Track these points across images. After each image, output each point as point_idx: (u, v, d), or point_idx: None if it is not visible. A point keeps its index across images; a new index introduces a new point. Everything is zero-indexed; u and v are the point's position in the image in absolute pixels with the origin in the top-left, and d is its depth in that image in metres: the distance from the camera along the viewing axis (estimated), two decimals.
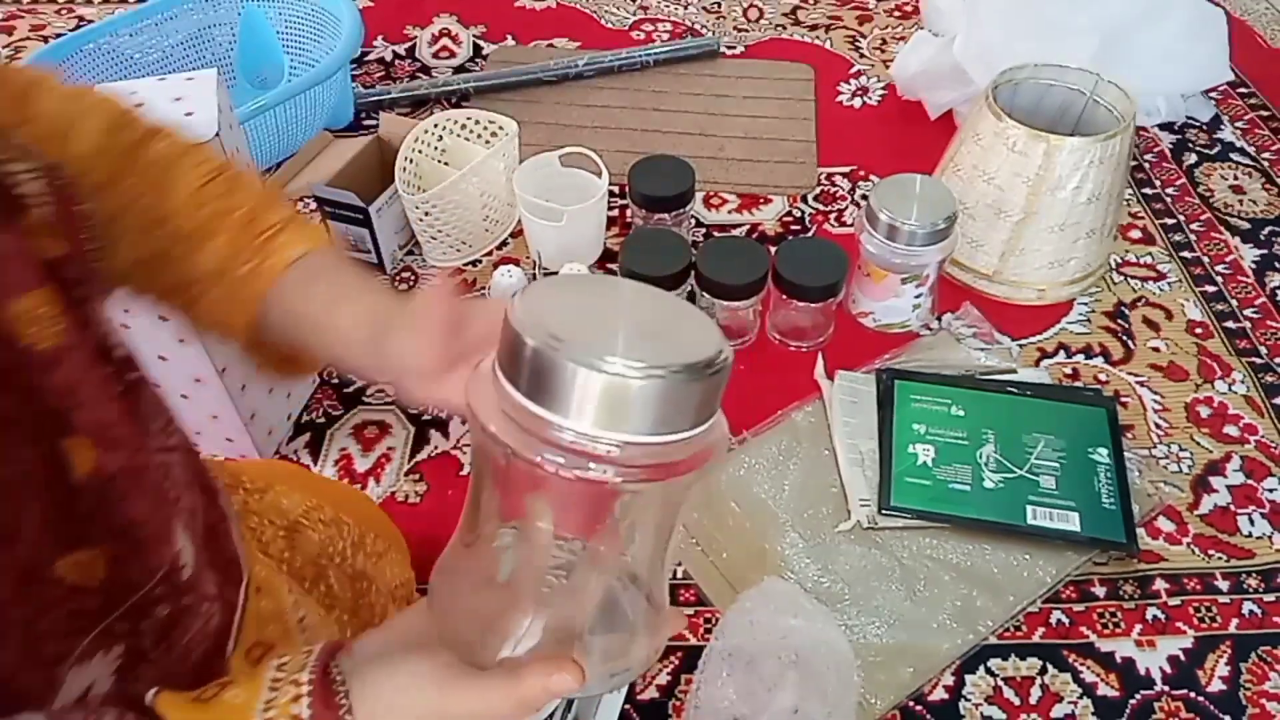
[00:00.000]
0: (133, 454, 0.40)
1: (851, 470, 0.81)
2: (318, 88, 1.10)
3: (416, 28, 1.36)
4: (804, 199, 1.10)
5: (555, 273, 0.92)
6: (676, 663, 0.71)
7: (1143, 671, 0.70)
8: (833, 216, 1.08)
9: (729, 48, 1.33)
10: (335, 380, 0.91)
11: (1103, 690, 0.69)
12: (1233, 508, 0.81)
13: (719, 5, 1.43)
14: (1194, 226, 1.07)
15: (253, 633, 0.49)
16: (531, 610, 0.35)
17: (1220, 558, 0.77)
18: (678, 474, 0.32)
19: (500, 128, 1.03)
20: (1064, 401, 0.86)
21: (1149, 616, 0.73)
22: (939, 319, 0.96)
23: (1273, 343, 0.94)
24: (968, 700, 0.69)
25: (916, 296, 0.92)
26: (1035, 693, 0.69)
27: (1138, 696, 0.69)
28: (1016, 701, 0.69)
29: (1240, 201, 1.10)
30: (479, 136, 1.05)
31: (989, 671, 0.70)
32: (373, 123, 1.19)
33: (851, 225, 1.06)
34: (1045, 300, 0.98)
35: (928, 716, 0.68)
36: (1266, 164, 1.15)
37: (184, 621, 0.43)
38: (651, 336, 0.34)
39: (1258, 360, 0.92)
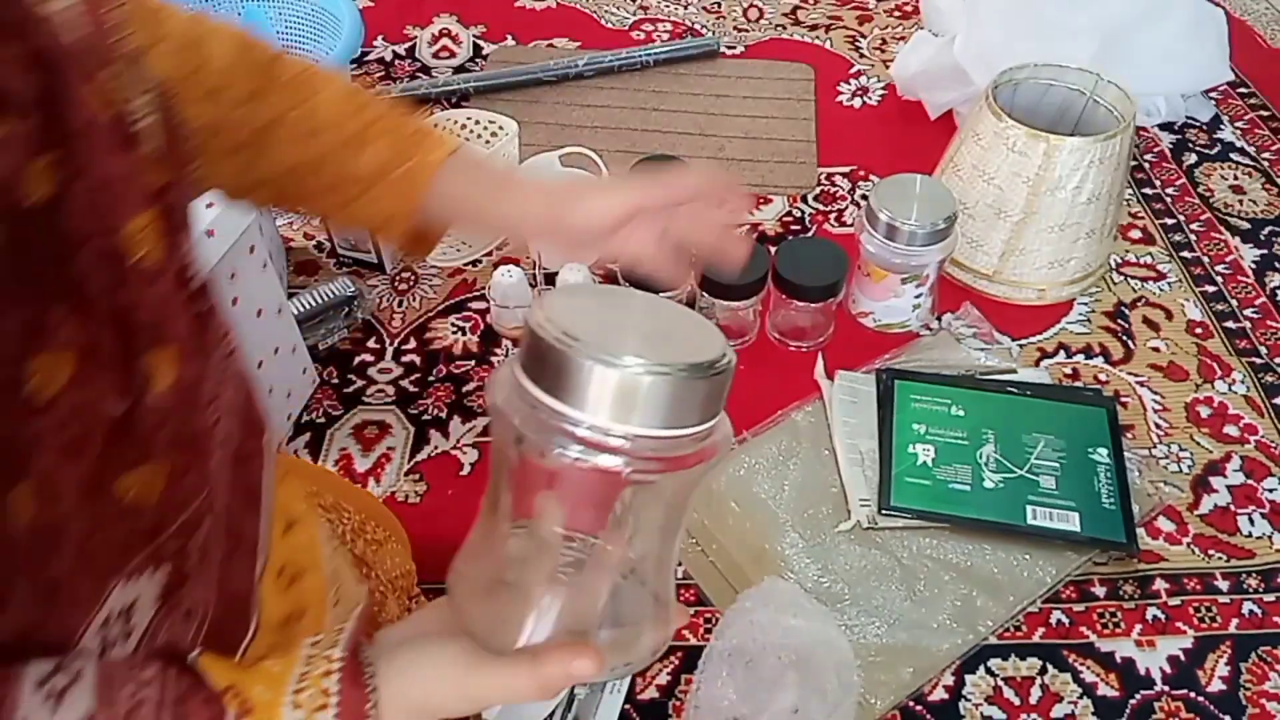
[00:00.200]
0: (203, 372, 0.43)
1: (851, 470, 0.81)
2: None
3: (416, 28, 1.36)
4: (804, 199, 1.10)
5: (555, 273, 0.92)
6: (677, 663, 0.71)
7: (1143, 671, 0.70)
8: (833, 216, 1.08)
9: (729, 48, 1.33)
10: (335, 380, 0.91)
11: (1103, 690, 0.69)
12: (1233, 508, 0.81)
13: (719, 5, 1.43)
14: (1194, 226, 1.07)
15: (281, 558, 0.51)
16: (544, 604, 0.37)
17: (1220, 558, 0.77)
18: (684, 467, 0.34)
19: (500, 128, 1.03)
20: (1064, 401, 0.86)
21: (1149, 616, 0.73)
22: (939, 319, 0.96)
23: (1273, 343, 0.94)
24: (968, 700, 0.69)
25: (916, 296, 0.92)
26: (1035, 693, 0.69)
27: (1138, 696, 0.69)
28: (1016, 701, 0.69)
29: (1240, 201, 1.10)
30: (479, 136, 1.05)
31: (989, 671, 0.70)
32: None
33: (851, 225, 1.06)
34: (1045, 300, 0.98)
35: (928, 716, 0.68)
36: (1266, 164, 1.15)
37: (216, 542, 0.45)
38: (661, 339, 0.36)
39: (1258, 360, 0.92)
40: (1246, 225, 1.07)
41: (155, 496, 0.41)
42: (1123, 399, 0.88)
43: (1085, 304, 0.98)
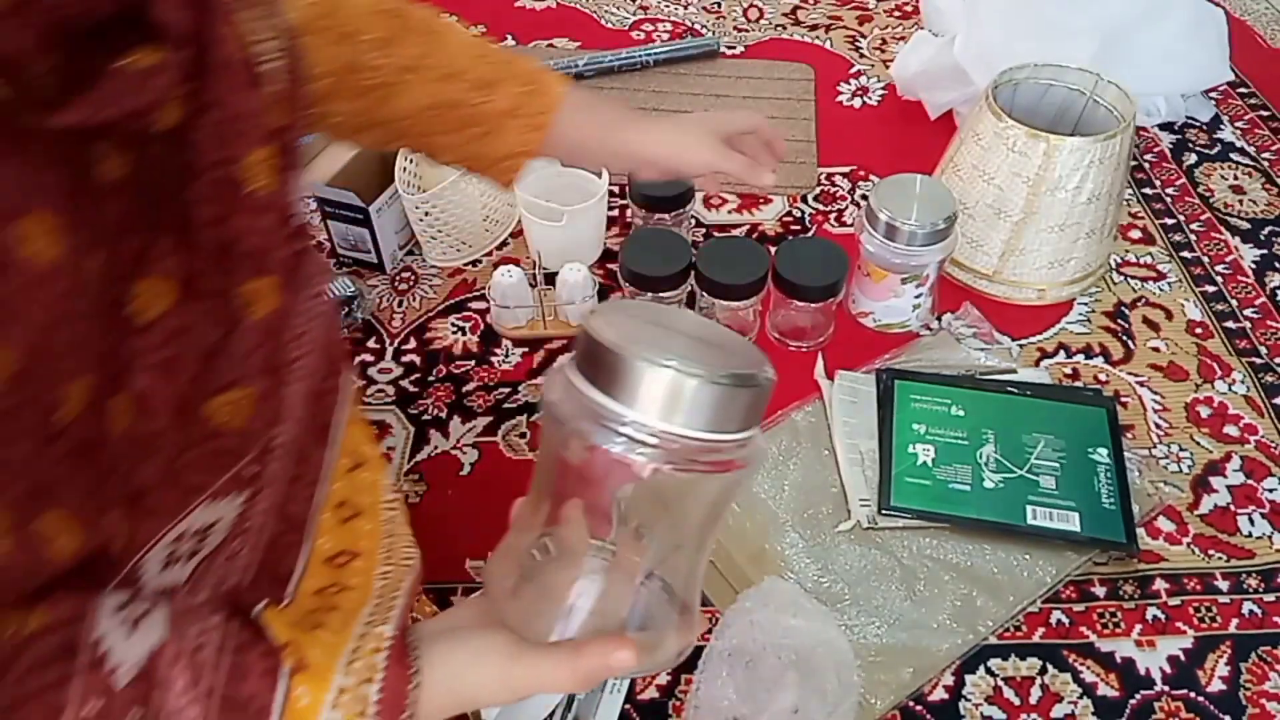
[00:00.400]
0: (294, 305, 0.46)
1: (851, 470, 0.81)
2: None
3: None
4: (804, 199, 1.10)
5: (555, 273, 0.92)
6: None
7: (1143, 671, 0.70)
8: (833, 216, 1.08)
9: (729, 48, 1.33)
10: None
11: (1103, 690, 0.69)
12: (1233, 508, 0.81)
13: (719, 5, 1.43)
14: (1194, 226, 1.07)
15: (343, 494, 0.53)
16: (578, 599, 0.40)
17: (1220, 558, 0.77)
18: (721, 470, 0.37)
19: None
20: (1064, 401, 0.86)
21: (1149, 616, 0.73)
22: (939, 319, 0.96)
23: (1273, 343, 0.94)
24: (968, 700, 0.69)
25: (916, 296, 0.92)
26: (1035, 693, 0.69)
27: (1138, 696, 0.69)
28: (1016, 701, 0.69)
29: (1240, 201, 1.10)
30: None
31: (989, 671, 0.70)
32: None
33: (851, 225, 1.06)
34: (1045, 300, 0.98)
35: (928, 716, 0.68)
36: (1266, 164, 1.15)
37: (285, 468, 0.48)
38: (707, 350, 0.38)
39: (1258, 360, 0.92)
40: (1246, 225, 1.07)
41: (241, 420, 0.44)
42: (1123, 399, 0.88)
43: (1085, 304, 0.98)
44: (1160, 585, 0.75)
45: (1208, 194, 1.11)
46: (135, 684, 0.36)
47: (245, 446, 0.45)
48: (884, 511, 0.78)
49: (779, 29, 1.38)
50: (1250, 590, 0.75)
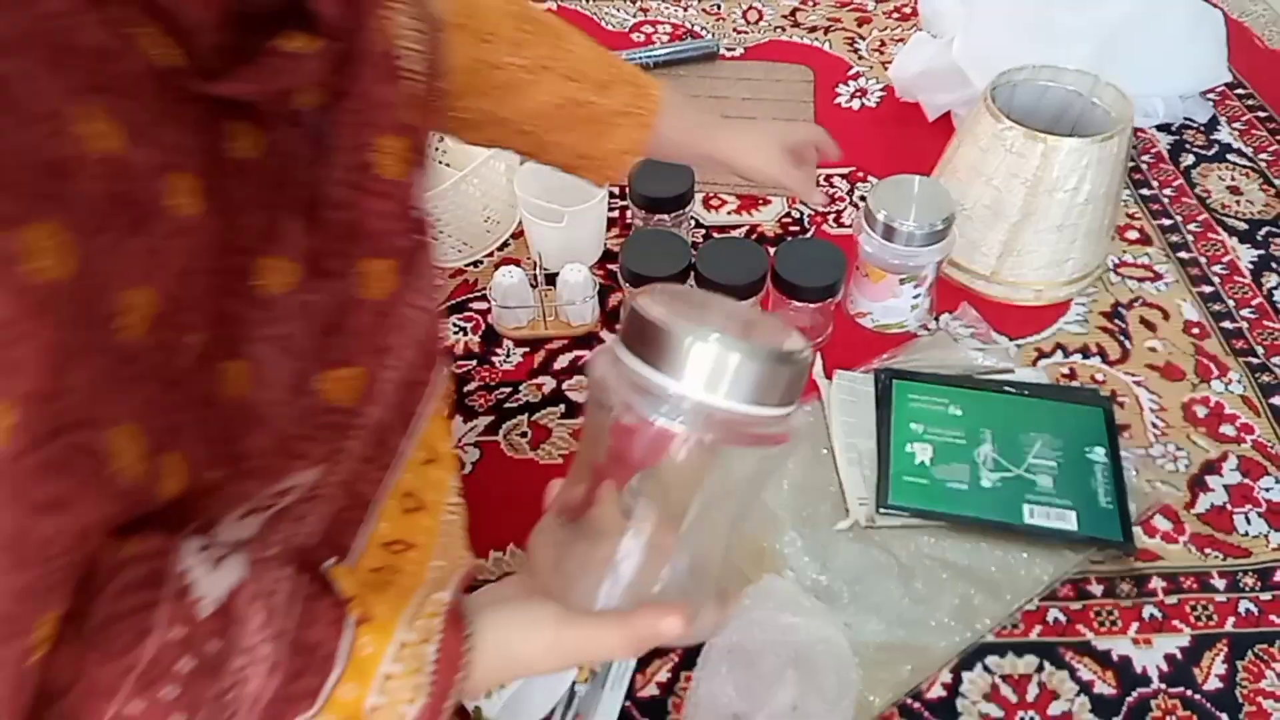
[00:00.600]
0: (405, 295, 0.48)
1: (850, 469, 0.82)
2: None
3: None
4: (802, 200, 1.10)
5: (556, 274, 0.92)
6: (676, 660, 0.71)
7: (1139, 669, 0.71)
8: (831, 217, 1.08)
9: (728, 50, 1.34)
10: None
11: (1100, 688, 0.70)
12: (1229, 507, 0.81)
13: (719, 7, 1.43)
14: (1191, 227, 1.07)
15: (411, 484, 0.55)
16: (619, 569, 0.41)
17: (1217, 556, 0.77)
18: (761, 443, 0.38)
19: None
20: (1061, 401, 0.86)
21: (1146, 615, 0.74)
22: (937, 319, 0.97)
23: (1269, 343, 0.95)
24: (965, 698, 0.69)
25: (915, 297, 0.92)
26: (1033, 690, 0.70)
27: (1134, 694, 0.70)
28: (1014, 699, 0.69)
29: (1237, 202, 1.11)
30: None
31: (986, 669, 0.71)
32: None
33: (850, 226, 1.06)
34: (1043, 301, 0.98)
35: (926, 714, 0.69)
36: (1264, 165, 1.16)
37: (364, 447, 0.51)
38: (748, 329, 0.40)
39: (1254, 360, 0.93)
40: (1244, 226, 1.08)
41: (349, 397, 0.47)
42: (1120, 399, 0.89)
43: (1082, 304, 0.98)
44: (1157, 584, 0.76)
45: (1205, 195, 1.12)
46: (215, 617, 0.38)
47: (350, 422, 0.47)
48: (882, 510, 0.78)
49: (778, 31, 1.38)
50: (1246, 589, 0.76)
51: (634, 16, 1.41)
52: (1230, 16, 1.34)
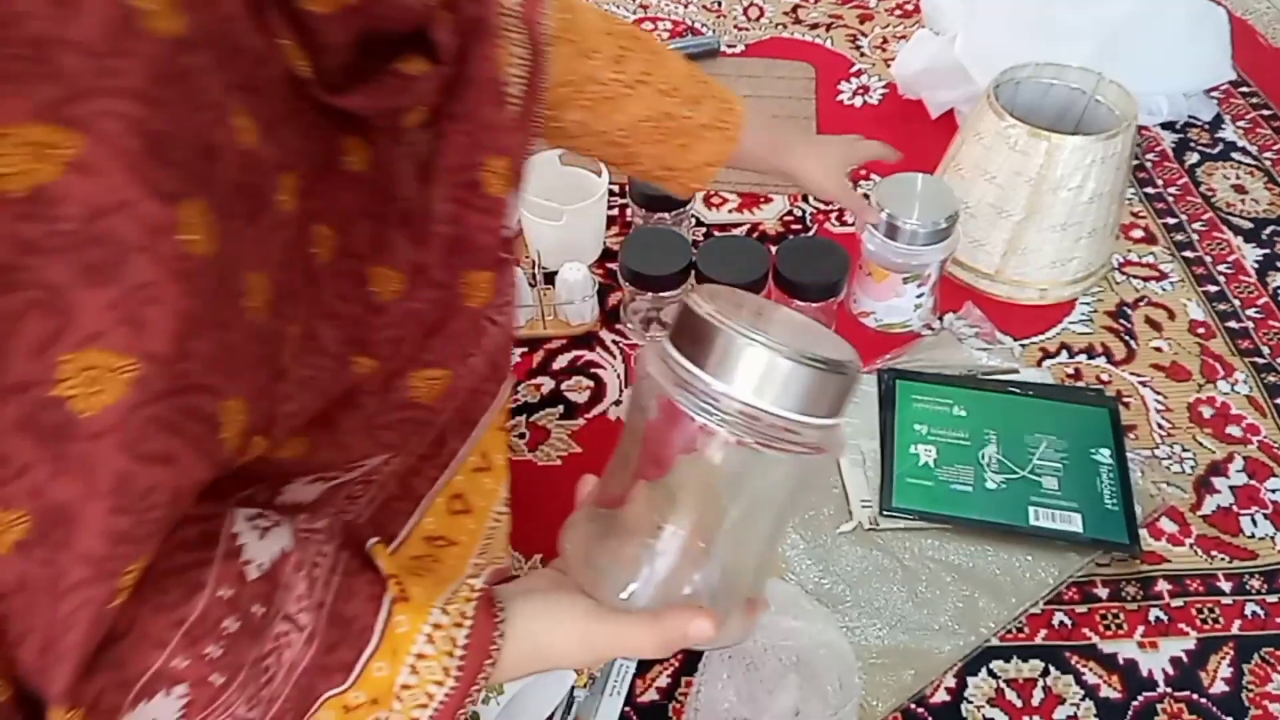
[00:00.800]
0: (489, 305, 0.51)
1: (853, 471, 0.81)
2: None
3: None
4: (804, 198, 1.10)
5: (555, 273, 0.92)
6: (677, 664, 0.70)
7: (1145, 673, 0.70)
8: (834, 216, 1.08)
9: (729, 46, 1.33)
10: None
11: (1105, 692, 0.69)
12: (1235, 508, 0.80)
13: (719, 4, 1.42)
14: (1196, 226, 1.07)
15: (461, 487, 0.57)
16: (651, 565, 0.41)
17: (1223, 559, 0.77)
18: (803, 450, 0.38)
19: None
20: (1066, 402, 0.85)
21: (1151, 618, 0.73)
22: (940, 319, 0.96)
23: (1275, 343, 0.94)
24: (969, 702, 0.69)
25: (918, 296, 0.91)
26: (1037, 695, 0.69)
27: (1140, 698, 0.69)
28: (1019, 704, 0.69)
29: (1242, 201, 1.10)
30: None
31: (991, 673, 0.70)
32: None
33: (852, 224, 1.05)
34: (1047, 300, 0.97)
35: (929, 719, 0.68)
36: (1268, 163, 1.15)
37: (423, 444, 0.54)
38: (798, 336, 0.40)
39: (1260, 360, 0.92)
40: (1249, 225, 1.07)
41: (433, 396, 0.49)
42: (1125, 399, 0.88)
43: (1087, 304, 0.98)
44: (1163, 586, 0.75)
45: (1210, 193, 1.11)
46: (262, 581, 0.40)
47: (425, 419, 0.50)
48: (885, 512, 0.77)
49: (779, 27, 1.37)
50: (1253, 591, 0.75)
51: (634, 13, 1.40)
52: (1234, 14, 1.34)
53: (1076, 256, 0.95)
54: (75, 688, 0.34)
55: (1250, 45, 1.32)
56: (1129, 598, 0.74)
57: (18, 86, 0.29)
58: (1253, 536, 0.78)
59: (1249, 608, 0.74)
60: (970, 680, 0.70)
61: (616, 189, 1.06)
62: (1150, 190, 1.11)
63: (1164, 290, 0.99)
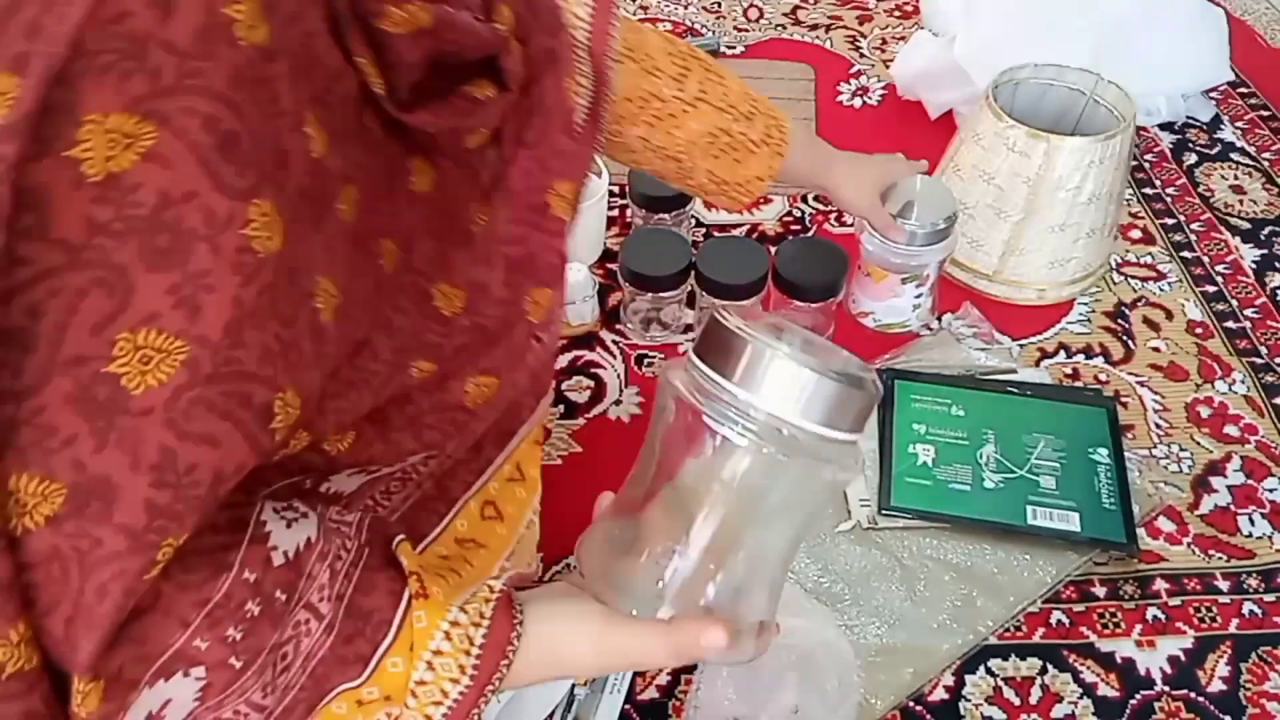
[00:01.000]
0: (541, 322, 0.53)
1: None
2: None
3: None
4: (804, 199, 1.10)
5: None
6: None
7: (1143, 671, 0.70)
8: (833, 216, 1.08)
9: (729, 47, 1.33)
10: None
11: (1103, 690, 0.69)
12: (1233, 508, 0.81)
13: (719, 5, 1.43)
14: (1194, 226, 1.07)
15: (494, 494, 0.59)
16: (667, 577, 0.41)
17: (1220, 558, 0.77)
18: (825, 464, 0.39)
19: None
20: (1064, 401, 0.86)
21: (1149, 617, 0.73)
22: (939, 319, 0.96)
23: (1273, 343, 0.94)
24: (968, 700, 0.69)
25: (917, 296, 0.92)
26: (1035, 693, 0.69)
27: (1138, 697, 0.69)
28: (1016, 701, 0.69)
29: (1240, 201, 1.10)
30: None
31: (989, 672, 0.70)
32: None
33: (852, 225, 1.06)
34: (1045, 300, 0.98)
35: (928, 717, 0.68)
36: (1267, 164, 1.15)
37: (460, 452, 0.55)
38: (820, 352, 0.41)
39: (1258, 360, 0.92)
40: (1247, 225, 1.07)
41: (480, 402, 0.51)
42: (1123, 399, 0.88)
43: (1085, 304, 0.98)
44: (1160, 585, 0.75)
45: (1208, 194, 1.11)
46: (285, 568, 0.41)
47: (472, 423, 0.52)
48: (884, 511, 0.78)
49: (779, 29, 1.38)
50: (1250, 590, 0.75)
51: (634, 14, 1.40)
52: (1232, 15, 1.34)
53: (1075, 257, 0.95)
54: (99, 658, 0.35)
55: (1249, 46, 1.32)
56: (1127, 597, 0.74)
57: (112, 78, 0.31)
58: (1250, 536, 0.79)
59: (1246, 607, 0.74)
60: (969, 678, 0.70)
61: (616, 189, 1.07)
62: (1148, 191, 1.12)
63: (1162, 290, 1.00)
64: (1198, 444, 0.85)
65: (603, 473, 0.80)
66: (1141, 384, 0.90)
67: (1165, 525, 0.79)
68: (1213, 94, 1.24)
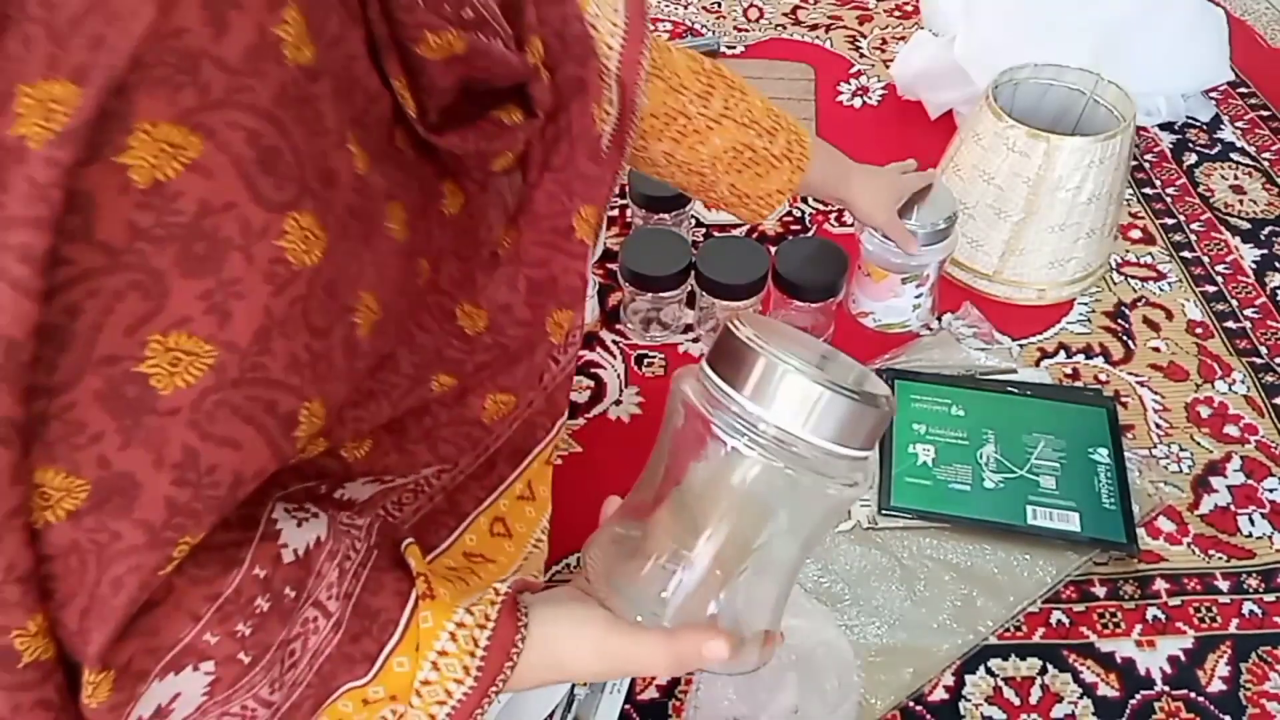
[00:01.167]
0: (560, 344, 0.54)
1: None
2: None
3: None
4: (804, 199, 1.10)
5: None
6: None
7: (1143, 672, 0.70)
8: (833, 216, 1.08)
9: (729, 48, 1.33)
10: None
11: (1103, 690, 0.69)
12: (1233, 508, 0.81)
13: (719, 5, 1.43)
14: (1194, 226, 1.07)
15: (504, 511, 0.60)
16: (671, 585, 0.41)
17: (1220, 558, 0.77)
18: (833, 480, 0.39)
19: None
20: (1064, 401, 0.86)
21: (1149, 617, 0.73)
22: (939, 319, 0.96)
23: (1273, 343, 0.94)
24: (968, 700, 0.69)
25: (917, 296, 0.92)
26: (1035, 693, 0.69)
27: (1138, 697, 0.69)
28: (1016, 701, 0.69)
29: (1240, 201, 1.10)
30: None
31: (989, 672, 0.70)
32: None
33: (852, 225, 1.06)
34: (1045, 300, 0.98)
35: (928, 717, 0.68)
36: (1267, 164, 1.15)
37: (471, 468, 0.56)
38: (834, 368, 0.40)
39: (1258, 360, 0.92)
40: (1247, 225, 1.07)
41: (495, 418, 0.53)
42: (1123, 399, 0.88)
43: (1085, 304, 0.98)
44: (1160, 585, 0.75)
45: (1208, 194, 1.11)
46: (295, 566, 0.41)
47: (486, 439, 0.53)
48: (884, 511, 0.78)
49: (779, 29, 1.38)
50: (1250, 590, 0.75)
51: None
52: (1232, 15, 1.34)
53: (1075, 257, 0.95)
54: (110, 650, 0.36)
55: (1249, 46, 1.32)
56: (1127, 597, 0.74)
57: (165, 90, 0.32)
58: (1250, 536, 0.79)
59: (1246, 607, 0.74)
60: (968, 678, 0.70)
61: (617, 190, 1.07)
62: (1148, 191, 1.12)
63: (1162, 290, 1.00)
64: (1198, 444, 0.85)
65: (603, 473, 0.81)
66: (1141, 384, 0.90)
67: (1165, 525, 0.79)
68: (1213, 94, 1.24)
